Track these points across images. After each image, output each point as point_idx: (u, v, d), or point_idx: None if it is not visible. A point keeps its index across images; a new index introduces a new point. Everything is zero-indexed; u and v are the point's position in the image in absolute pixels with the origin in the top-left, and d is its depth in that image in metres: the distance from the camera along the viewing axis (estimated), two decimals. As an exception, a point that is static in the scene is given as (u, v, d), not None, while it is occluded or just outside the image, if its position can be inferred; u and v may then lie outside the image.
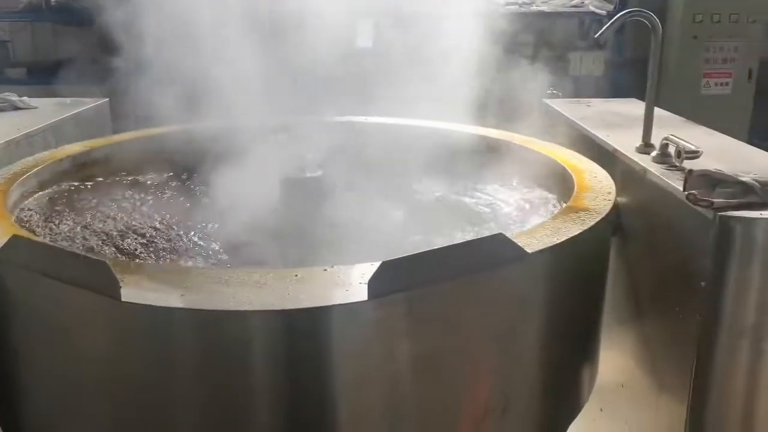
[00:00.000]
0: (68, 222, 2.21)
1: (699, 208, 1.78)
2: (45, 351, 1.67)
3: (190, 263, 2.02)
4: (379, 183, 2.41)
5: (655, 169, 2.10)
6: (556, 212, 2.09)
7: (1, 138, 2.57)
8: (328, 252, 1.98)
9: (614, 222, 2.14)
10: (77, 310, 1.55)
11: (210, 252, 2.07)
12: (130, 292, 1.45)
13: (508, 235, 1.61)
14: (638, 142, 2.32)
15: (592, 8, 6.14)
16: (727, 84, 6.52)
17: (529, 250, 1.64)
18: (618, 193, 2.12)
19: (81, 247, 2.05)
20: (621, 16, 2.36)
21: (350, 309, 1.46)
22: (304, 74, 2.57)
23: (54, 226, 2.16)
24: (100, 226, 2.21)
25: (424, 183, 2.67)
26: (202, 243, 2.13)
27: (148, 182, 2.68)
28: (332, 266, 1.59)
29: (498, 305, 1.68)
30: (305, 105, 2.76)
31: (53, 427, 1.75)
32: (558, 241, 1.73)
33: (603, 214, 1.92)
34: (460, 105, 2.88)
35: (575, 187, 2.13)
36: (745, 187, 1.80)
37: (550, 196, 2.40)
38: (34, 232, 2.06)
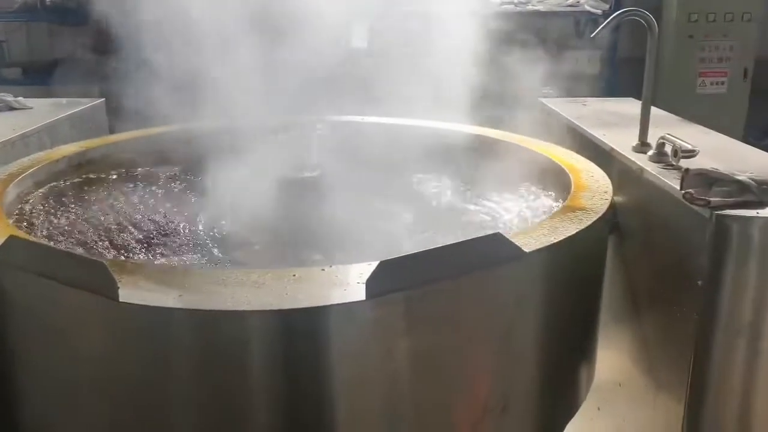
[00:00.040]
0: (63, 218, 2.21)
1: (696, 207, 1.78)
2: (42, 351, 1.66)
3: (186, 262, 2.02)
4: (377, 183, 2.41)
5: (652, 168, 2.10)
6: (553, 211, 2.09)
7: (-4, 138, 2.57)
8: (325, 252, 1.98)
9: (611, 221, 2.14)
10: (75, 311, 1.55)
11: (207, 252, 2.07)
12: (128, 293, 1.44)
13: (505, 234, 1.61)
14: (635, 141, 2.33)
15: (587, 7, 6.15)
16: (722, 83, 6.54)
17: (526, 250, 1.64)
18: (615, 193, 2.13)
19: (75, 242, 2.05)
20: (617, 15, 2.36)
21: (348, 309, 1.46)
22: (302, 74, 2.57)
23: (50, 222, 2.16)
24: (96, 223, 2.21)
25: (420, 182, 2.67)
26: (198, 243, 2.13)
27: (145, 182, 2.67)
28: (330, 266, 1.59)
29: (496, 304, 1.68)
30: (304, 105, 2.76)
31: (50, 427, 1.75)
32: (555, 241, 1.73)
33: (600, 214, 1.93)
34: (455, 104, 2.88)
35: (572, 187, 2.13)
36: (742, 186, 1.81)
37: (546, 195, 2.40)
38: (33, 224, 2.06)
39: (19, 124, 2.84)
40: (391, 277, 1.44)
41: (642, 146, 2.30)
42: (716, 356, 1.84)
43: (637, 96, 2.60)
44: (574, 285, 1.89)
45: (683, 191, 1.83)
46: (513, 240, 1.62)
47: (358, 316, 1.48)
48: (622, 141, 2.41)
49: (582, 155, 2.47)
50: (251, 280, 1.51)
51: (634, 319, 2.21)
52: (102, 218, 2.26)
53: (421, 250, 1.52)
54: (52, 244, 2.03)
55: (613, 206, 2.08)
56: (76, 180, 2.57)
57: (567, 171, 2.29)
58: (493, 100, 3.10)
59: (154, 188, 2.61)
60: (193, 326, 1.48)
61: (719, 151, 2.22)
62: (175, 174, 2.74)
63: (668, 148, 2.13)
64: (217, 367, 1.49)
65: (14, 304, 1.67)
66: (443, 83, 2.82)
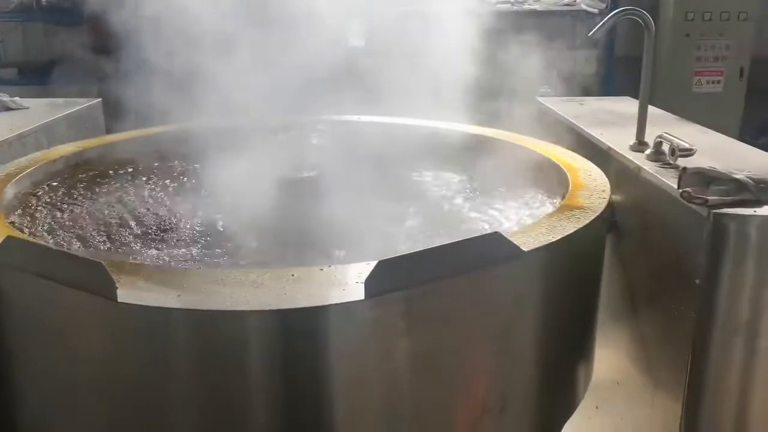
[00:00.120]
0: (61, 217, 2.21)
1: (693, 206, 1.79)
2: (41, 352, 1.66)
3: (185, 260, 2.02)
4: (375, 182, 2.41)
5: (650, 167, 2.10)
6: (551, 210, 2.09)
7: (-7, 139, 2.57)
8: (324, 252, 1.98)
9: (609, 220, 2.15)
10: (73, 311, 1.55)
11: (205, 251, 2.07)
12: (126, 293, 1.44)
13: (503, 233, 1.61)
14: (632, 140, 2.33)
15: (584, 6, 6.16)
16: (718, 82, 6.55)
17: (524, 249, 1.64)
18: (612, 191, 2.13)
19: (75, 237, 2.05)
20: (614, 14, 2.37)
21: (347, 308, 1.46)
22: (300, 73, 2.57)
23: (51, 218, 2.16)
24: (92, 225, 2.20)
25: (418, 181, 2.67)
26: (197, 243, 2.12)
27: (142, 182, 2.67)
28: (329, 266, 1.59)
29: (494, 303, 1.68)
30: (302, 104, 2.76)
31: (49, 427, 1.75)
32: (553, 240, 1.73)
33: (598, 212, 1.93)
34: (452, 104, 2.89)
35: (570, 186, 2.14)
36: (739, 185, 1.81)
37: (543, 193, 2.40)
38: (34, 216, 2.06)
39: (16, 124, 2.83)
40: (390, 277, 1.44)
41: (639, 145, 2.30)
42: (714, 355, 1.84)
43: (634, 95, 2.60)
44: (572, 284, 1.90)
45: (681, 190, 1.83)
46: (511, 239, 1.62)
47: (356, 315, 1.48)
48: (619, 140, 2.41)
49: (579, 154, 2.47)
50: (250, 280, 1.51)
51: (632, 318, 2.21)
52: (97, 221, 2.25)
53: (420, 249, 1.52)
54: (51, 240, 2.03)
55: (611, 205, 2.09)
56: (74, 180, 2.57)
57: (565, 170, 2.29)
58: (490, 100, 3.11)
59: (151, 188, 2.61)
60: (192, 326, 1.48)
61: (716, 150, 2.23)
62: (172, 174, 2.74)
63: (666, 147, 2.14)
64: (215, 367, 1.49)
65: (12, 304, 1.67)
66: (440, 83, 2.82)
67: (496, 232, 1.59)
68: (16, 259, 1.56)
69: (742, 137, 3.16)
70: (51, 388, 1.66)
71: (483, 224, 2.24)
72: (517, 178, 2.56)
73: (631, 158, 2.22)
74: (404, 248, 1.99)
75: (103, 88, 3.33)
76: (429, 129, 2.98)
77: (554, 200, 2.26)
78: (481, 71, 2.87)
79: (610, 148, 2.40)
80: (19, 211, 2.20)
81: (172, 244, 2.10)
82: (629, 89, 3.16)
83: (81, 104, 3.30)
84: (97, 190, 2.54)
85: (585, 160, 2.40)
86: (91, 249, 2.04)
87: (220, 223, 2.23)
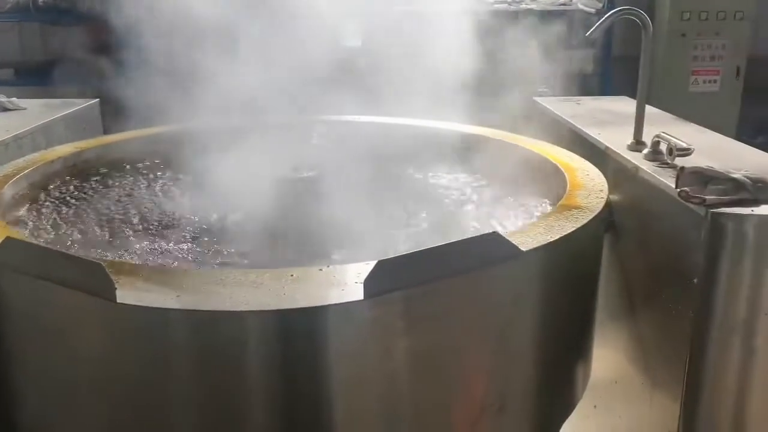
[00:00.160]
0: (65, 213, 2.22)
1: (691, 205, 1.79)
2: (40, 352, 1.66)
3: (184, 258, 2.02)
4: (373, 182, 2.41)
5: (647, 167, 2.11)
6: (548, 210, 2.09)
7: (-10, 140, 2.57)
8: (323, 252, 1.98)
9: (607, 219, 2.15)
10: (72, 312, 1.55)
11: (204, 251, 2.07)
12: (126, 294, 1.44)
13: (502, 233, 1.62)
14: (629, 139, 2.33)
15: (581, 6, 6.16)
16: (715, 81, 6.57)
17: (523, 248, 1.65)
18: (610, 191, 2.14)
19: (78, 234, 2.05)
20: (612, 14, 2.37)
21: (346, 308, 1.46)
22: (298, 73, 2.57)
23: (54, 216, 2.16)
24: (88, 228, 2.21)
25: (417, 181, 2.68)
26: (196, 243, 2.12)
27: (141, 182, 2.67)
28: (328, 266, 1.59)
29: (493, 303, 1.68)
30: (300, 104, 2.76)
31: (49, 428, 1.74)
32: (552, 239, 1.73)
33: (596, 212, 1.93)
34: (449, 104, 2.89)
35: (568, 186, 2.14)
36: (737, 184, 1.81)
37: (541, 193, 2.41)
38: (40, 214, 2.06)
39: (13, 125, 2.83)
40: (389, 277, 1.45)
41: (637, 145, 2.30)
42: (711, 354, 1.85)
43: (631, 94, 2.60)
44: (570, 284, 1.90)
45: (678, 189, 1.84)
46: (510, 239, 1.62)
47: (356, 315, 1.48)
48: (617, 139, 2.42)
49: (577, 154, 2.47)
50: (249, 280, 1.51)
51: (630, 318, 2.22)
52: (94, 224, 2.25)
53: (419, 249, 1.52)
54: (54, 234, 2.03)
55: (608, 205, 2.09)
56: (71, 180, 2.57)
57: (562, 170, 2.29)
58: (487, 99, 3.11)
59: (150, 188, 2.61)
60: (191, 327, 1.48)
61: (714, 150, 2.23)
62: (171, 174, 2.74)
63: (663, 147, 2.14)
64: (215, 368, 1.49)
65: (12, 305, 1.66)
66: (437, 83, 2.82)
67: (494, 231, 1.59)
68: (16, 259, 1.56)
69: (740, 136, 3.17)
70: (51, 388, 1.66)
71: (481, 224, 2.25)
72: (514, 177, 2.56)
73: (628, 158, 2.23)
74: (403, 248, 1.99)
75: (101, 88, 3.32)
76: (426, 129, 2.98)
77: (552, 200, 2.27)
78: (478, 71, 2.87)
79: (607, 147, 2.40)
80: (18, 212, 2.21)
81: (171, 243, 2.10)
82: (626, 89, 3.16)
83: (78, 105, 3.29)
84: (95, 190, 2.54)
85: (583, 159, 2.40)
86: (92, 248, 2.05)
87: (219, 223, 2.23)
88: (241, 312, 1.43)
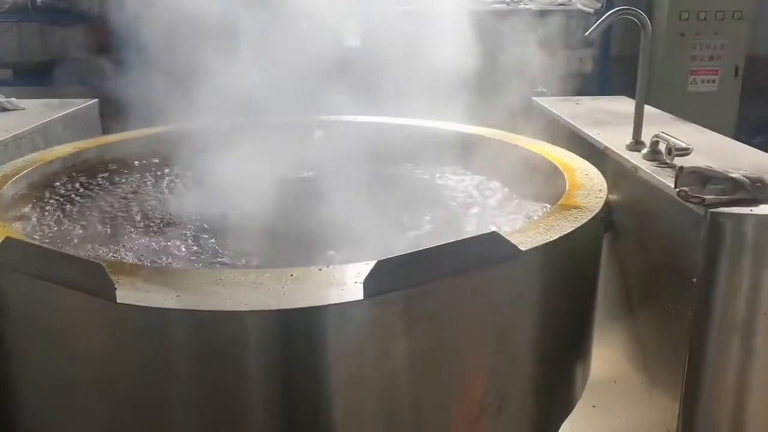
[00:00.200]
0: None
1: (690, 205, 1.79)
2: (40, 352, 1.66)
3: (182, 258, 2.02)
4: (371, 182, 2.41)
5: (646, 167, 2.11)
6: (548, 210, 2.10)
7: (-12, 140, 2.56)
8: (323, 252, 1.98)
9: (606, 219, 2.15)
10: (72, 312, 1.55)
11: (203, 251, 2.07)
12: (125, 294, 1.44)
13: (501, 233, 1.62)
14: (628, 139, 2.33)
15: (579, 6, 6.16)
16: (713, 81, 6.57)
17: (522, 248, 1.65)
18: (609, 191, 2.14)
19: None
20: (611, 14, 2.37)
21: (346, 308, 1.46)
22: (297, 73, 2.57)
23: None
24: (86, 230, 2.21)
25: (416, 180, 2.68)
26: (194, 242, 2.12)
27: (140, 183, 2.67)
28: (327, 266, 1.59)
29: (492, 303, 1.68)
30: (299, 104, 2.76)
31: (49, 428, 1.74)
32: (551, 239, 1.74)
33: (595, 212, 1.93)
34: (447, 104, 2.89)
35: (567, 185, 2.14)
36: (736, 184, 1.82)
37: (540, 193, 2.41)
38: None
39: (12, 125, 2.82)
40: (389, 277, 1.45)
41: (636, 144, 2.30)
42: (710, 353, 1.85)
43: (630, 94, 2.60)
44: (569, 283, 1.90)
45: (678, 189, 1.84)
46: (509, 238, 1.63)
47: (355, 315, 1.48)
48: (616, 139, 2.42)
49: (576, 154, 2.48)
50: (249, 281, 1.51)
51: (629, 317, 2.22)
52: (96, 222, 2.26)
53: (418, 249, 1.52)
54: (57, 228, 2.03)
55: (607, 204, 2.09)
56: (71, 180, 2.57)
57: (561, 169, 2.30)
58: (485, 99, 3.11)
59: (149, 188, 2.61)
60: (191, 327, 1.48)
61: (713, 149, 2.23)
62: (170, 174, 2.74)
63: (662, 147, 2.14)
64: (215, 368, 1.49)
65: (12, 305, 1.66)
66: (435, 82, 2.82)
67: (494, 231, 1.60)
68: (15, 260, 1.56)
69: (738, 136, 3.18)
70: (51, 388, 1.66)
71: (479, 224, 2.25)
72: (513, 177, 2.56)
73: (627, 158, 2.23)
74: (402, 248, 1.99)
75: (100, 88, 3.32)
76: (424, 129, 2.99)
77: (551, 200, 2.27)
78: (476, 71, 2.87)
79: (606, 147, 2.41)
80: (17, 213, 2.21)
81: (171, 243, 2.10)
82: (625, 89, 3.16)
83: (77, 105, 3.29)
84: (95, 190, 2.54)
85: (582, 159, 2.41)
86: (91, 245, 2.05)
87: (219, 223, 2.23)
88: (241, 312, 1.43)
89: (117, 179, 2.67)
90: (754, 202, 1.79)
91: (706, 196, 1.78)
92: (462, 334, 1.65)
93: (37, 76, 6.18)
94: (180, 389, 1.55)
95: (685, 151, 2.07)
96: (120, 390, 1.56)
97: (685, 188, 1.82)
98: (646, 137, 2.25)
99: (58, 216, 2.27)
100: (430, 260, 1.50)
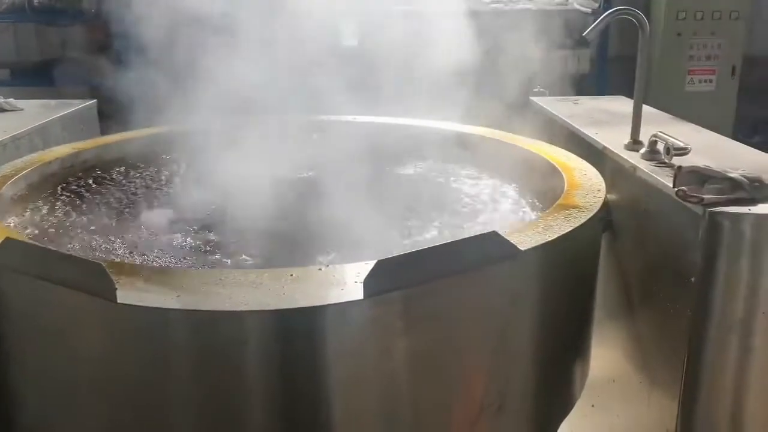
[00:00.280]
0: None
1: (689, 204, 1.79)
2: (40, 353, 1.66)
3: (182, 257, 2.02)
4: (373, 182, 2.41)
5: (645, 166, 2.11)
6: (547, 210, 2.10)
7: (-14, 141, 2.56)
8: (322, 251, 1.98)
9: (604, 219, 2.15)
10: (72, 312, 1.55)
11: (202, 251, 2.07)
12: (126, 294, 1.44)
13: (501, 232, 1.62)
14: (627, 139, 2.34)
15: (577, 6, 6.17)
16: (710, 81, 6.58)
17: (521, 248, 1.65)
18: (608, 191, 2.14)
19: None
20: (609, 14, 2.37)
21: (346, 308, 1.46)
22: (296, 72, 2.57)
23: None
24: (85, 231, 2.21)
25: (415, 180, 2.68)
26: (193, 242, 2.12)
27: (140, 183, 2.67)
28: (327, 265, 1.60)
29: (492, 302, 1.69)
30: (298, 104, 2.76)
31: (49, 428, 1.74)
32: (550, 239, 1.74)
33: (593, 212, 1.94)
34: (445, 103, 2.89)
35: (566, 185, 2.15)
36: (734, 183, 1.82)
37: (538, 193, 2.41)
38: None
39: (10, 125, 2.82)
40: (389, 276, 1.45)
41: (634, 144, 2.30)
42: (709, 353, 1.85)
43: (628, 94, 2.61)
44: (568, 283, 1.91)
45: (676, 189, 1.84)
46: (508, 238, 1.63)
47: (355, 315, 1.48)
48: (614, 139, 2.42)
49: (574, 153, 2.48)
50: (249, 281, 1.51)
51: (627, 317, 2.22)
52: (95, 221, 2.26)
53: (418, 249, 1.52)
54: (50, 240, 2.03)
55: (606, 204, 2.10)
56: (70, 180, 2.57)
57: (560, 169, 2.30)
58: (483, 99, 3.11)
59: (148, 188, 2.61)
60: (191, 327, 1.48)
61: (711, 149, 2.24)
62: (169, 174, 2.74)
63: (660, 146, 2.15)
64: (215, 368, 1.49)
65: (12, 305, 1.66)
66: (433, 82, 2.83)
67: (493, 231, 1.60)
68: (16, 260, 1.56)
69: (736, 136, 3.19)
70: (51, 388, 1.66)
71: (476, 225, 2.26)
72: (511, 177, 2.57)
73: (626, 157, 2.23)
74: (402, 247, 2.00)
75: (98, 88, 3.32)
76: (421, 128, 2.99)
77: (549, 200, 2.27)
78: (474, 71, 2.88)
79: (605, 147, 2.41)
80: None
81: (170, 243, 2.11)
82: (623, 88, 3.17)
83: (76, 105, 3.29)
84: (94, 190, 2.54)
85: (580, 159, 2.41)
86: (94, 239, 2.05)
87: (219, 223, 2.23)
88: (241, 312, 1.43)
89: (116, 179, 2.67)
90: (753, 201, 1.79)
91: (704, 196, 1.78)
92: (462, 334, 1.65)
93: (34, 77, 6.18)
94: (180, 389, 1.55)
95: (683, 151, 2.08)
96: (120, 390, 1.56)
97: (683, 188, 1.82)
98: (645, 137, 2.25)
99: (58, 215, 2.26)
100: (430, 260, 1.50)
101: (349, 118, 3.08)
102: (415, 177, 2.73)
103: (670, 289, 1.95)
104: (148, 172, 2.76)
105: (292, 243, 2.09)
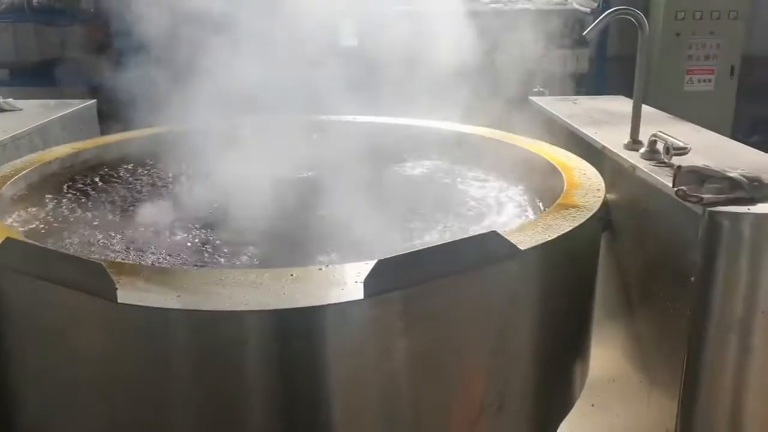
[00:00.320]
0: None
1: (688, 204, 1.80)
2: (40, 353, 1.66)
3: (181, 257, 2.02)
4: (372, 181, 2.41)
5: (644, 166, 2.11)
6: (547, 210, 2.10)
7: (-14, 141, 2.56)
8: (322, 251, 1.98)
9: (604, 218, 2.16)
10: (73, 312, 1.55)
11: (202, 251, 2.07)
12: (126, 294, 1.45)
13: (500, 232, 1.62)
14: (626, 139, 2.34)
15: (576, 6, 6.17)
16: (709, 80, 6.59)
17: (521, 247, 1.65)
18: (607, 190, 2.14)
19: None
20: (608, 14, 2.37)
21: (346, 308, 1.46)
22: (296, 72, 2.57)
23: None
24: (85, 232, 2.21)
25: (414, 180, 2.68)
26: (193, 242, 2.12)
27: (140, 183, 2.67)
28: (327, 265, 1.60)
29: (492, 302, 1.69)
30: (298, 104, 2.76)
31: (49, 428, 1.74)
32: (549, 238, 1.74)
33: (593, 211, 1.94)
34: (445, 103, 2.89)
35: (565, 185, 2.15)
36: (733, 183, 1.82)
37: (538, 192, 2.42)
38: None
39: (10, 126, 2.82)
40: (389, 276, 1.45)
41: (634, 144, 2.31)
42: (708, 352, 1.85)
43: (627, 94, 2.61)
44: (568, 282, 1.91)
45: (676, 188, 1.84)
46: (508, 238, 1.63)
47: (355, 315, 1.49)
48: (613, 139, 2.42)
49: (574, 153, 2.48)
50: (249, 280, 1.52)
51: (627, 316, 2.22)
52: (96, 221, 2.26)
53: (418, 248, 1.52)
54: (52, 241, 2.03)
55: (605, 204, 2.10)
56: (69, 181, 2.57)
57: (559, 169, 2.30)
58: (483, 99, 3.12)
59: (148, 188, 2.61)
60: (192, 327, 1.48)
61: (710, 149, 2.24)
62: (169, 174, 2.74)
63: (660, 146, 2.15)
64: (215, 367, 1.49)
65: (12, 305, 1.66)
66: (432, 82, 2.83)
67: (493, 231, 1.60)
68: (16, 260, 1.56)
69: (735, 135, 3.19)
70: (51, 388, 1.66)
71: (477, 226, 2.26)
72: (511, 177, 2.57)
73: (625, 157, 2.23)
74: (402, 247, 2.00)
75: (97, 89, 3.32)
76: (421, 128, 2.99)
77: (548, 199, 2.28)
78: (474, 71, 2.88)
79: (604, 147, 2.41)
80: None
81: (170, 242, 2.11)
82: (622, 88, 3.17)
83: (75, 105, 3.29)
84: (94, 190, 2.54)
85: (579, 159, 2.41)
86: (94, 241, 2.05)
87: (219, 223, 2.23)
88: (241, 312, 1.43)
89: (116, 179, 2.67)
90: (752, 201, 1.79)
91: (704, 195, 1.78)
92: (461, 334, 1.65)
93: (33, 77, 6.18)
94: (180, 389, 1.55)
95: (682, 151, 2.08)
96: (120, 390, 1.57)
97: (683, 187, 1.82)
98: (644, 136, 2.25)
99: (58, 214, 2.26)
100: (430, 260, 1.51)
101: (349, 118, 3.08)
102: (415, 177, 2.73)
103: (669, 288, 1.95)
104: (148, 172, 2.75)
105: (292, 243, 2.09)
